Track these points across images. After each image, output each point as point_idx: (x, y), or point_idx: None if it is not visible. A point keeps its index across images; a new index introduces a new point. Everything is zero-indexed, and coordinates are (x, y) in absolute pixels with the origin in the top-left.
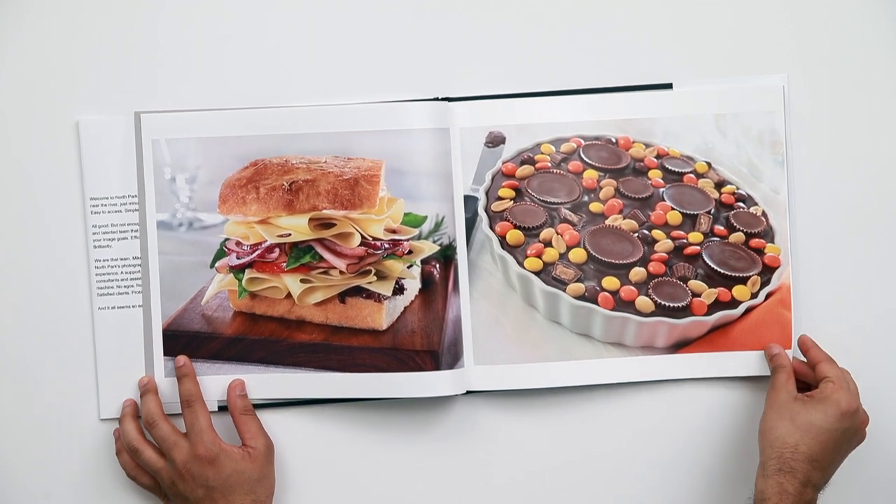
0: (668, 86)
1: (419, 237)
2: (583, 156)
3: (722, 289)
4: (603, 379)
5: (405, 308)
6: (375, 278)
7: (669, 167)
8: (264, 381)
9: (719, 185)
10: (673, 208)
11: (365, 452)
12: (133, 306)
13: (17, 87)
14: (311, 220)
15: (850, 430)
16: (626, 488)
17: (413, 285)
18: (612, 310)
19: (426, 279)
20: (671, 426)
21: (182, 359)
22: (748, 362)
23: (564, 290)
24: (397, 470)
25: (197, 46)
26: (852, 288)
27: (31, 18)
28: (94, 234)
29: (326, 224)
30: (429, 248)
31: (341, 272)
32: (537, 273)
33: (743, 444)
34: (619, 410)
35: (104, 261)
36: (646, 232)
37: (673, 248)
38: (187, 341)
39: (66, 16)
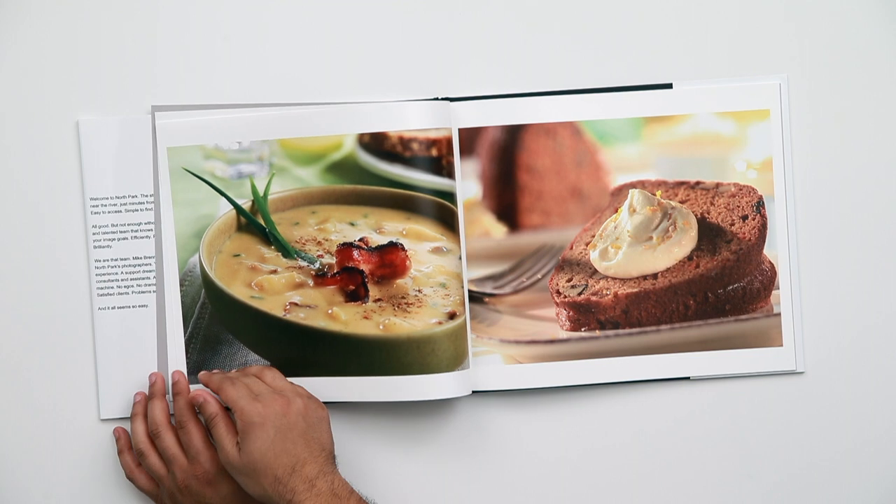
0: (669, 86)
1: None
2: None
3: None
4: (611, 377)
5: None
6: None
7: None
8: None
9: None
10: None
11: (369, 455)
12: (133, 306)
13: (17, 87)
14: None
15: (283, 421)
16: (637, 486)
17: None
18: None
19: None
20: (681, 424)
21: (177, 374)
22: (750, 360)
23: None
24: (402, 472)
25: (197, 46)
26: (853, 289)
27: (31, 18)
28: (94, 234)
29: None
30: None
31: None
32: None
33: (750, 441)
34: (627, 408)
35: (104, 261)
36: None
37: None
38: None
39: (66, 16)
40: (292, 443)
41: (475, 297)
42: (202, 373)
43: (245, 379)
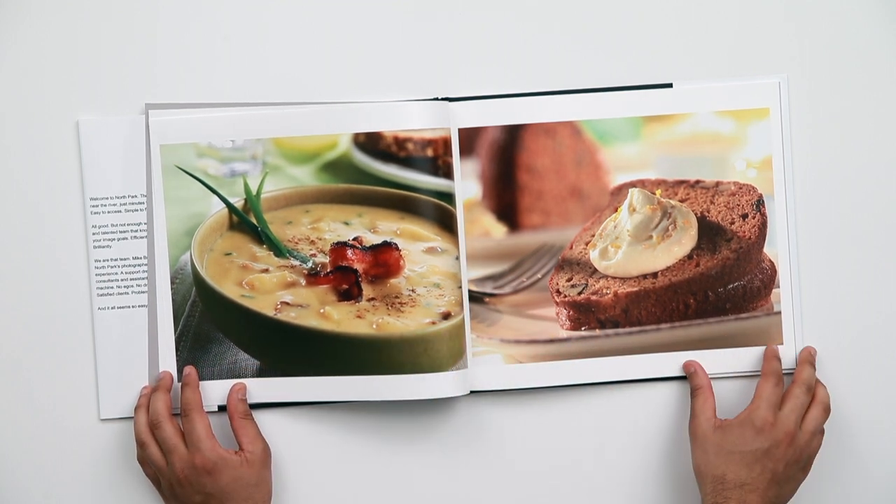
0: (668, 85)
1: None
2: None
3: None
4: (611, 376)
5: None
6: None
7: None
8: (264, 385)
9: None
10: None
11: (366, 455)
12: (133, 306)
13: (17, 87)
14: None
15: (771, 450)
16: (637, 485)
17: None
18: None
19: None
20: (681, 423)
21: (188, 368)
22: (746, 359)
23: None
24: (400, 473)
25: (197, 46)
26: (853, 288)
27: (31, 18)
28: (93, 234)
29: None
30: None
31: None
32: None
33: None
34: (627, 407)
35: (104, 261)
36: None
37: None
38: None
39: (65, 15)
40: (769, 472)
41: (475, 297)
42: (806, 354)
43: (796, 389)
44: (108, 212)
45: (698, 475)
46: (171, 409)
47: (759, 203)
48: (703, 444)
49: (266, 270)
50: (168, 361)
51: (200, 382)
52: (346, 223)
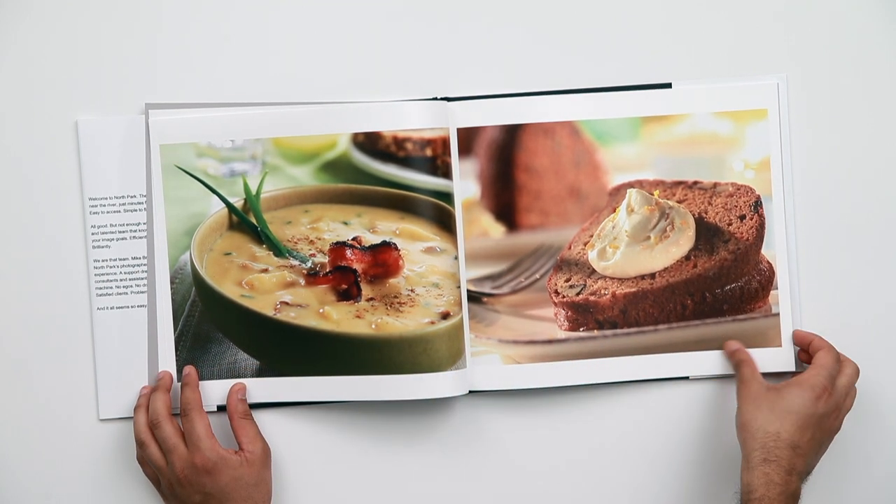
0: (667, 85)
1: None
2: None
3: None
4: (609, 377)
5: None
6: None
7: None
8: (264, 385)
9: None
10: None
11: (366, 455)
12: (132, 307)
13: (16, 87)
14: None
15: (824, 417)
16: (635, 485)
17: None
18: None
19: None
20: (676, 423)
21: (188, 368)
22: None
23: None
24: (400, 473)
25: (197, 46)
26: (851, 289)
27: (31, 18)
28: (93, 234)
29: None
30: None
31: None
32: None
33: None
34: (626, 408)
35: (104, 261)
36: None
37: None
38: None
39: (65, 15)
40: (816, 441)
41: (474, 297)
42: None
43: (848, 369)
44: (108, 212)
45: (745, 431)
46: (171, 408)
47: (757, 204)
48: (756, 401)
49: (265, 270)
50: (168, 361)
51: (200, 382)
52: (346, 223)
